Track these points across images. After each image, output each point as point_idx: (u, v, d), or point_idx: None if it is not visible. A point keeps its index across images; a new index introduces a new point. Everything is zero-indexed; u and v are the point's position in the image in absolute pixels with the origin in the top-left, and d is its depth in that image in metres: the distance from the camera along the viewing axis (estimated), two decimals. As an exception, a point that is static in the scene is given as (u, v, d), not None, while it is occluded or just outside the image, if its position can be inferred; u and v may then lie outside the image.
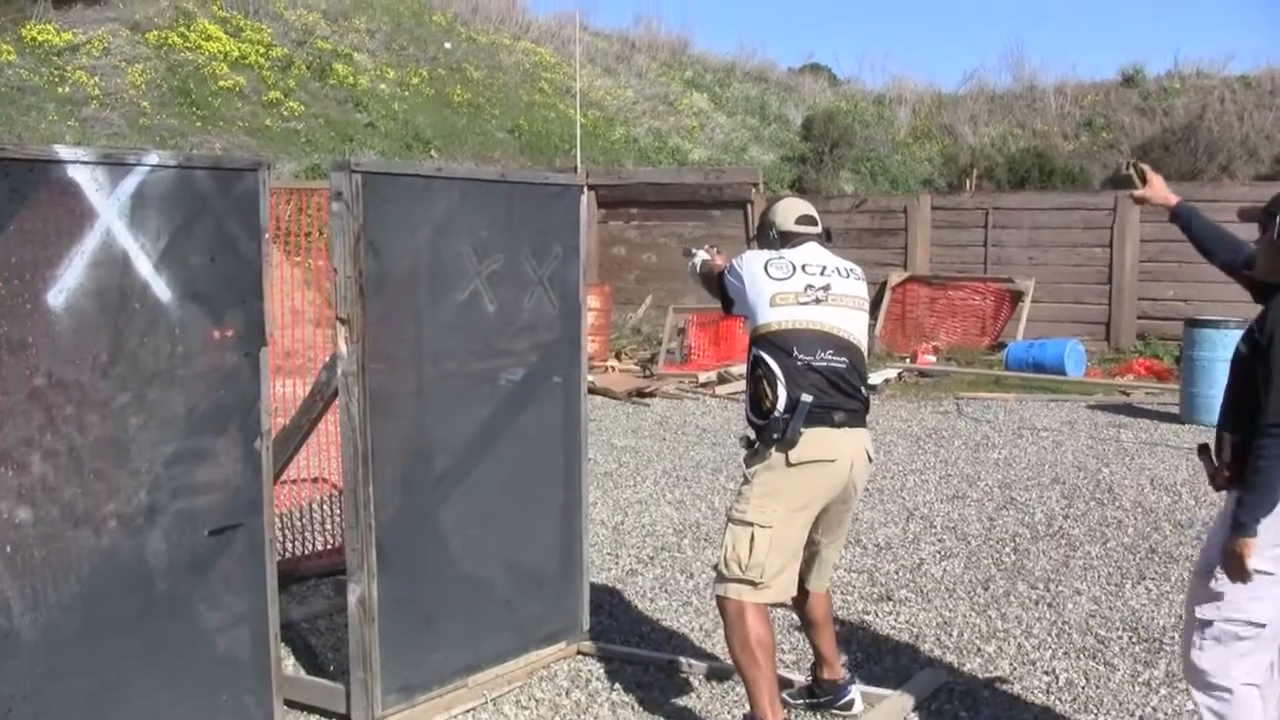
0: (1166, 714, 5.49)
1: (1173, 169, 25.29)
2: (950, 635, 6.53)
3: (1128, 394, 14.88)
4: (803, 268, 5.11)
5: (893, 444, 11.85)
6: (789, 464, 4.88)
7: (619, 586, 7.32)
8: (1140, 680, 5.89)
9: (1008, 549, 8.13)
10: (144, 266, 4.14)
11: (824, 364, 4.94)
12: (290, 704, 5.13)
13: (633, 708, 5.55)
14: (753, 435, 5.03)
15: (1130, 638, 6.47)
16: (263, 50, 25.78)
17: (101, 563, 4.11)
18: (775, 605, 5.36)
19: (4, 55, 21.46)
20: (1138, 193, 4.84)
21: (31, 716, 3.96)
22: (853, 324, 5.11)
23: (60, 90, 21.63)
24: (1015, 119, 33.09)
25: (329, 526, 8.00)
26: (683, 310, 17.70)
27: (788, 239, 5.28)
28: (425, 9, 33.15)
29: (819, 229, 5.37)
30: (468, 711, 5.43)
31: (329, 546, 7.70)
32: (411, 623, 5.19)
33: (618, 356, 17.57)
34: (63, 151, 3.92)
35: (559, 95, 31.60)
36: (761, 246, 5.36)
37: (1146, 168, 4.76)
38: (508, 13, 36.13)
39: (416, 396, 5.22)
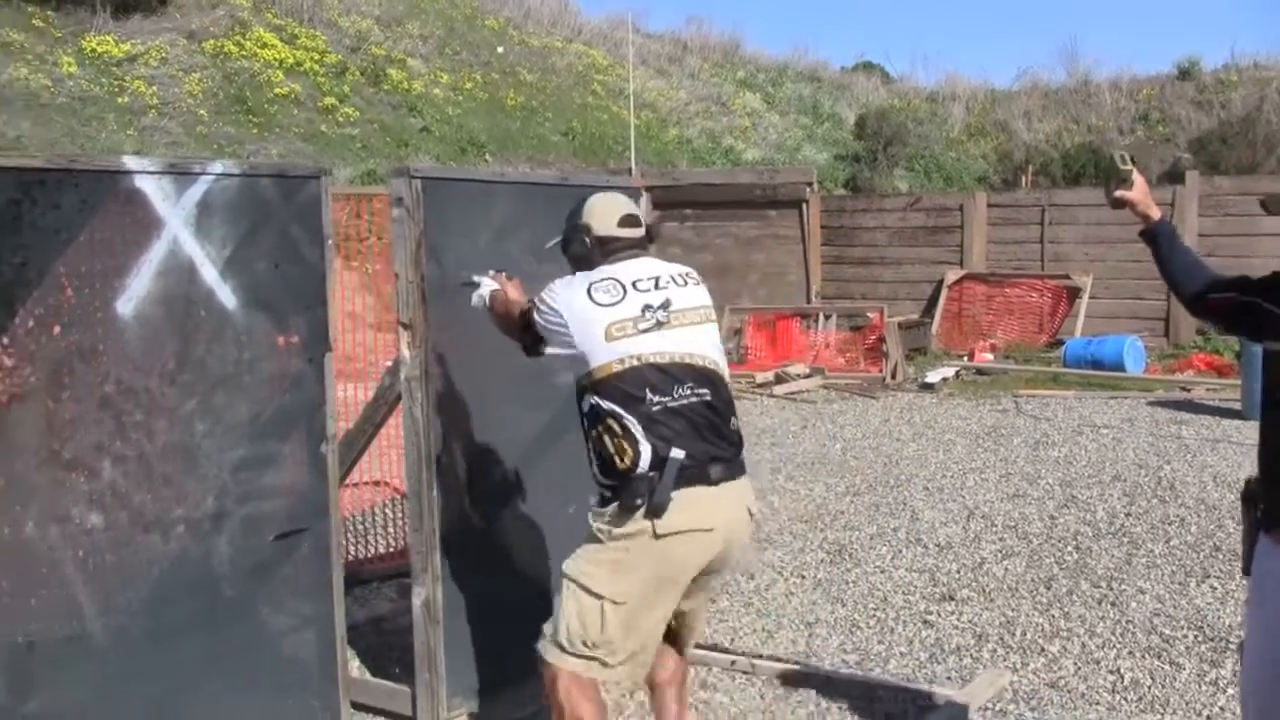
0: (1234, 714, 5.44)
1: (1230, 162, 25.10)
2: (1013, 634, 6.50)
3: (1188, 390, 14.74)
4: (634, 285, 4.20)
5: (951, 442, 11.81)
6: (655, 536, 3.98)
7: (680, 588, 7.33)
8: (1207, 680, 5.85)
9: (1070, 547, 8.08)
10: (209, 274, 4.19)
11: (684, 402, 4.08)
12: (356, 706, 5.17)
13: (697, 708, 5.56)
14: (606, 494, 4.14)
15: (1196, 636, 6.43)
16: (317, 57, 25.94)
17: (169, 567, 4.16)
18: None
19: (65, 67, 21.68)
20: (1120, 193, 4.12)
21: (104, 718, 4.01)
22: (705, 344, 4.26)
23: (120, 100, 21.84)
24: (1069, 114, 32.86)
25: (390, 530, 8.06)
26: (739, 310, 17.71)
27: (607, 248, 4.33)
28: (477, 14, 33.30)
29: (642, 231, 4.48)
30: (532, 714, 5.46)
31: (391, 549, 7.75)
32: (475, 625, 5.22)
33: (675, 358, 17.58)
34: (130, 162, 3.98)
35: (611, 97, 31.66)
36: (572, 260, 4.39)
37: (1135, 170, 4.16)
38: (559, 16, 36.24)
39: (477, 400, 5.24)
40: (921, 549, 8.14)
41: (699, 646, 6.25)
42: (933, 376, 15.69)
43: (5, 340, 3.65)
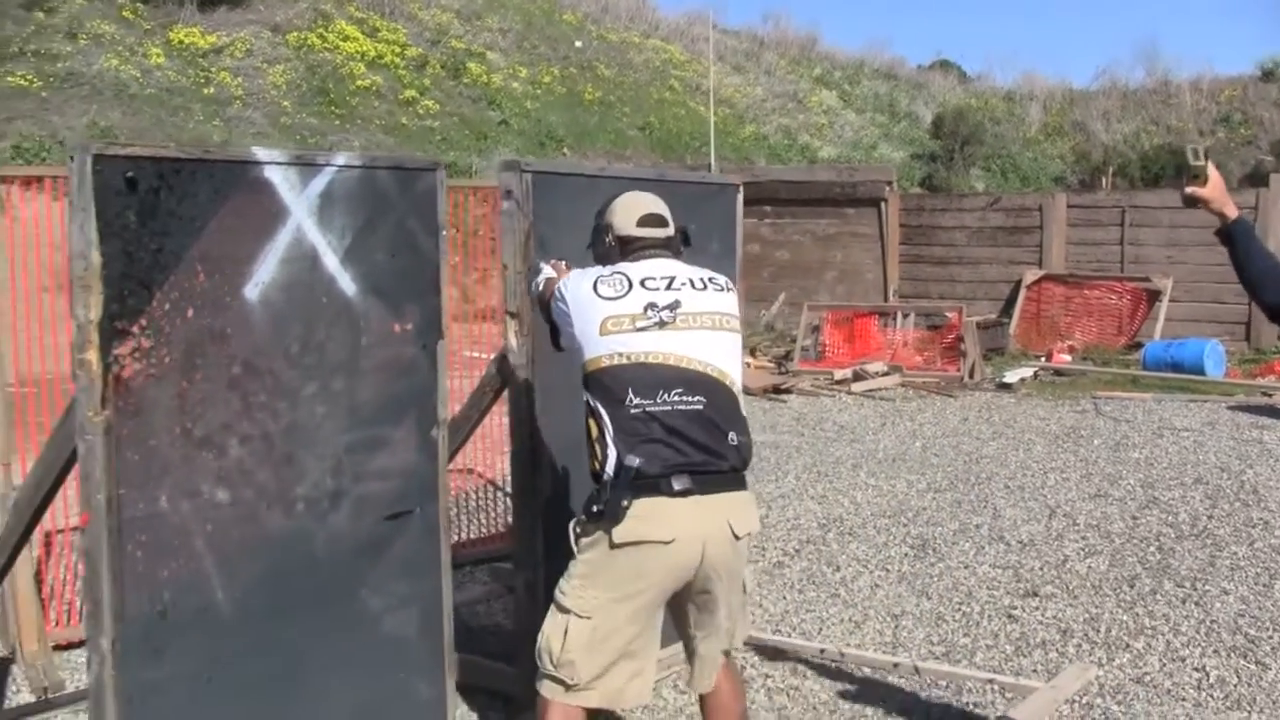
0: (1322, 713, 5.50)
1: (1314, 166, 24.88)
2: (1098, 631, 6.56)
3: (1270, 395, 14.67)
4: (642, 283, 4.09)
5: (1031, 442, 11.84)
6: (612, 545, 3.90)
7: (767, 578, 7.44)
8: (1294, 679, 5.90)
9: (1152, 548, 8.11)
10: (330, 262, 4.33)
11: (666, 408, 3.94)
12: (458, 685, 5.31)
13: (787, 694, 5.68)
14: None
15: (1282, 637, 6.48)
16: (398, 50, 26.27)
17: (289, 543, 4.30)
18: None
19: (153, 58, 22.08)
20: (1193, 190, 3.88)
21: (224, 689, 4.17)
22: (711, 350, 4.08)
23: (206, 91, 22.21)
24: (1149, 115, 32.72)
25: (481, 517, 8.22)
26: (817, 307, 17.77)
27: (628, 247, 4.26)
28: (556, 8, 33.58)
29: (669, 231, 4.36)
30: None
31: (481, 535, 7.91)
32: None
33: (752, 353, 17.68)
34: (259, 153, 4.13)
35: (689, 93, 31.82)
36: (596, 258, 4.36)
37: (1211, 165, 3.91)
38: (638, 11, 36.51)
39: (577, 387, 5.36)
40: (1004, 546, 8.20)
41: (787, 635, 6.39)
42: (1011, 376, 15.69)
43: (143, 322, 3.81)
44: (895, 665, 5.96)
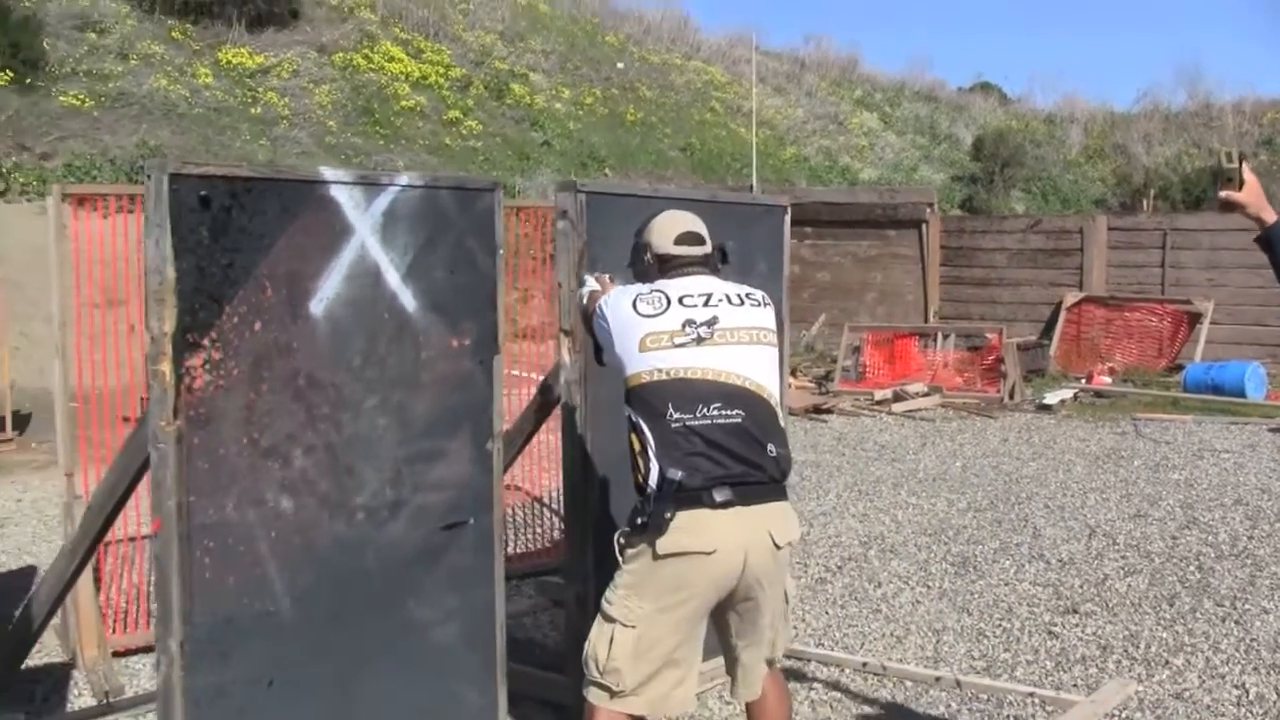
0: (1361, 730, 5.56)
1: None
2: (1137, 647, 6.63)
3: (1312, 418, 14.67)
4: (680, 300, 4.16)
5: (1071, 463, 11.90)
6: (655, 556, 3.98)
7: (809, 594, 7.53)
8: (1336, 698, 5.95)
9: (1192, 567, 8.17)
10: (393, 279, 4.47)
11: (706, 422, 4.01)
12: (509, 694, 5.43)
13: (831, 705, 5.78)
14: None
15: (1323, 657, 6.53)
16: (442, 71, 26.48)
17: (350, 552, 4.43)
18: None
19: (202, 78, 22.33)
20: (1229, 194, 3.81)
21: (285, 692, 4.29)
22: (750, 365, 4.15)
23: (253, 111, 22.44)
24: (1190, 138, 32.69)
25: (525, 532, 8.34)
26: (858, 328, 17.88)
27: (666, 265, 4.34)
28: (598, 30, 33.77)
29: (706, 249, 4.43)
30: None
31: (527, 549, 8.04)
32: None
33: (793, 373, 17.77)
34: (326, 173, 4.27)
35: (729, 114, 31.96)
36: (636, 276, 4.42)
37: (1248, 169, 3.83)
38: (679, 33, 36.64)
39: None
40: (1044, 564, 8.27)
41: (830, 650, 6.49)
42: (1051, 398, 15.73)
43: (214, 335, 3.95)
44: (937, 679, 6.05)
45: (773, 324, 4.34)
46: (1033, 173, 31.70)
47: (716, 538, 3.96)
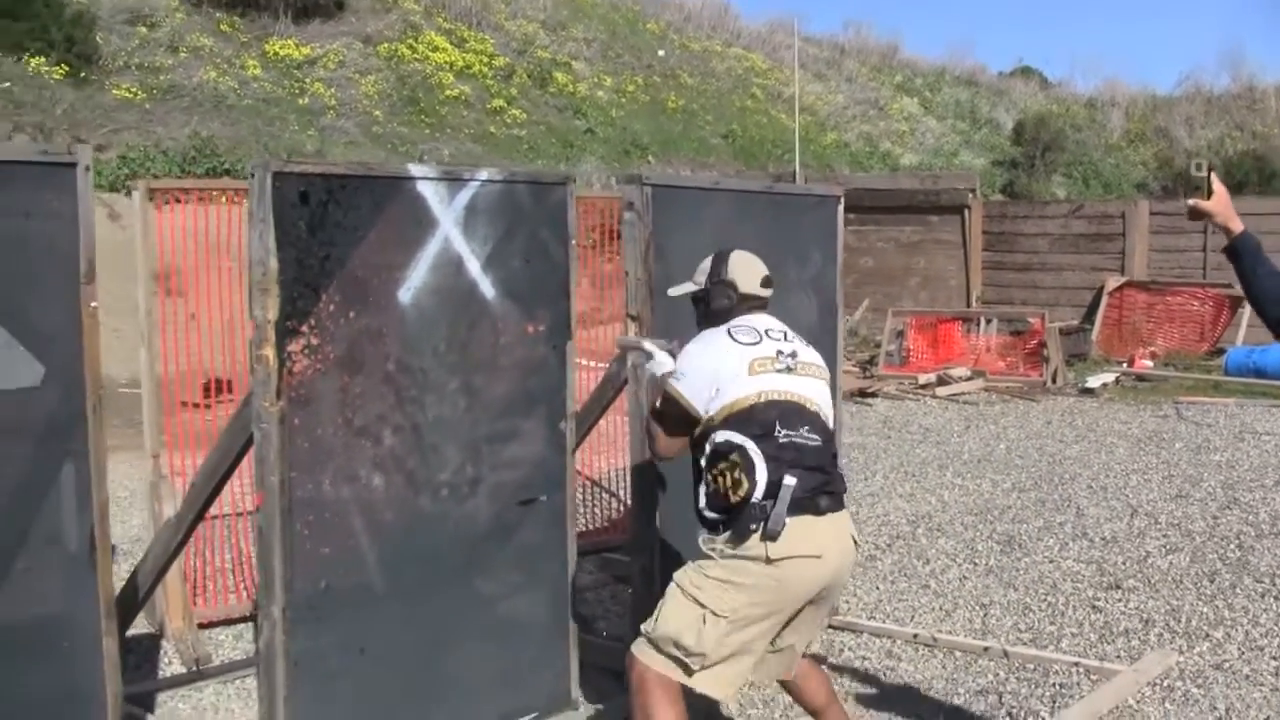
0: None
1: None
2: (1179, 621, 6.84)
3: (1353, 401, 14.79)
4: (766, 332, 4.49)
5: (1113, 445, 12.09)
6: (769, 560, 4.13)
7: (860, 570, 7.77)
8: (1373, 670, 6.16)
9: (1232, 545, 8.36)
10: (473, 268, 4.74)
11: (805, 441, 4.29)
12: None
13: (884, 673, 6.04)
14: (715, 530, 4.32)
15: (1361, 630, 6.73)
16: (486, 60, 26.76)
17: (434, 525, 4.71)
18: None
19: (250, 70, 22.69)
20: (1197, 203, 3.88)
21: (378, 659, 4.58)
22: (822, 398, 4.50)
23: (300, 101, 22.79)
24: (1233, 121, 32.68)
25: (586, 512, 8.61)
26: (902, 313, 18.09)
27: (745, 303, 4.61)
28: (639, 17, 34.00)
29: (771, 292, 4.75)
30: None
31: (588, 528, 8.32)
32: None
33: (836, 358, 17.99)
34: (414, 169, 4.55)
35: (770, 101, 32.17)
36: (711, 314, 4.61)
37: (1216, 179, 3.88)
38: (720, 20, 36.84)
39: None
40: (1087, 542, 8.49)
41: (881, 622, 6.75)
42: (1093, 381, 15.90)
43: (312, 322, 4.23)
44: (985, 649, 6.30)
45: (824, 362, 4.68)
46: (1074, 157, 31.76)
47: (823, 542, 4.21)
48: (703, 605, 4.19)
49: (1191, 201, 3.92)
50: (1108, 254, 19.46)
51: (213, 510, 6.90)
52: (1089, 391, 15.62)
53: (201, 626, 6.57)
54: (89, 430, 3.92)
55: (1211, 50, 76.56)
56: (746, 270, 4.63)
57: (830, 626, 6.62)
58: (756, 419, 4.24)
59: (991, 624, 6.84)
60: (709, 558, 4.27)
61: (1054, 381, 16.07)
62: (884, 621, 6.85)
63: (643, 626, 4.38)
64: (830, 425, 4.50)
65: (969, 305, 19.75)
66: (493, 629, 5.01)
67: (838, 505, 4.33)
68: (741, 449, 4.19)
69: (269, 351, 4.14)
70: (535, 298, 4.99)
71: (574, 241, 5.10)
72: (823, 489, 4.25)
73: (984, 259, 20.38)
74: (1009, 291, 20.09)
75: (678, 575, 4.36)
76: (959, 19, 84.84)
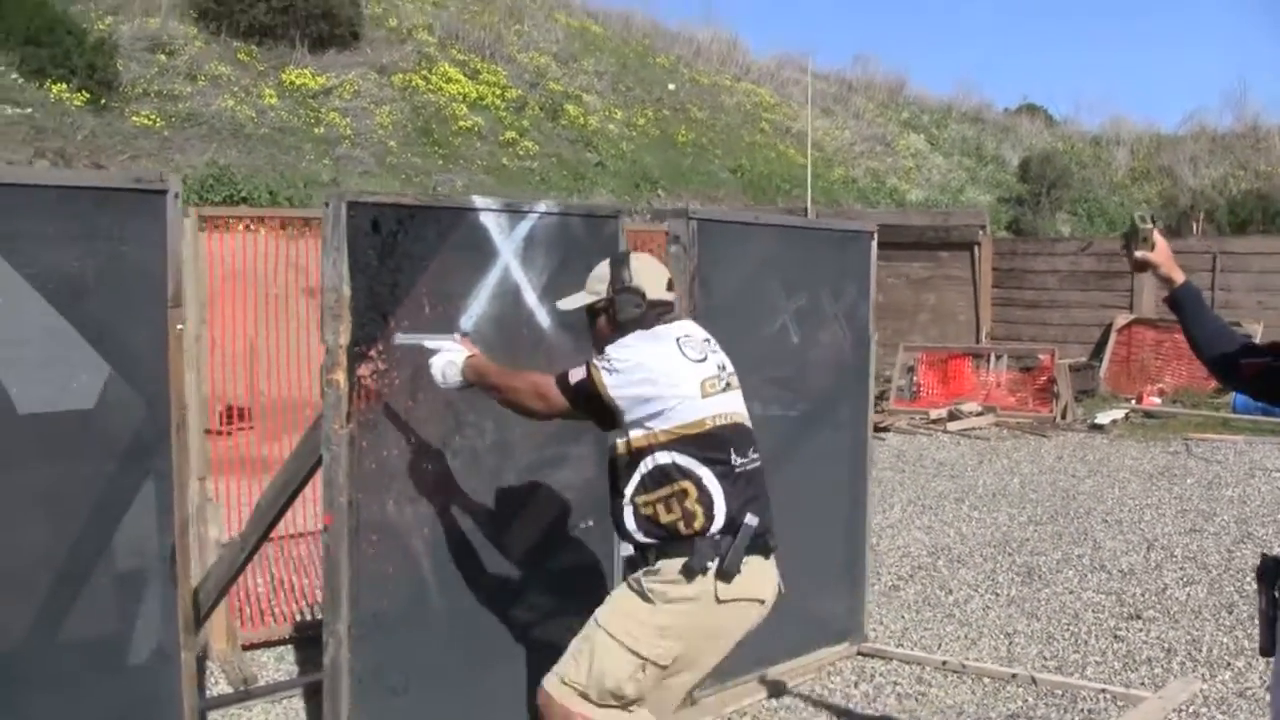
0: None
1: None
2: (1200, 651, 6.98)
3: (1360, 439, 14.92)
4: (706, 344, 4.18)
5: (1126, 480, 12.23)
6: (718, 600, 3.92)
7: (884, 599, 7.91)
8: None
9: (1248, 578, 8.46)
10: (530, 298, 4.91)
11: (753, 466, 4.10)
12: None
13: (916, 699, 6.17)
14: (648, 553, 4.03)
15: (1378, 662, 6.85)
16: (499, 91, 26.94)
17: (491, 546, 4.87)
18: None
19: (267, 98, 22.87)
20: (1143, 255, 3.93)
21: (433, 676, 4.73)
22: (746, 409, 4.27)
23: (316, 130, 22.95)
24: (1237, 160, 32.88)
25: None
26: (913, 348, 18.24)
27: (656, 310, 4.19)
28: (649, 51, 34.22)
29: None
30: (770, 696, 6.10)
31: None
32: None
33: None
34: (478, 201, 4.72)
35: (779, 135, 32.37)
36: (620, 321, 4.16)
37: (1157, 230, 3.94)
38: (729, 54, 37.07)
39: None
40: (1105, 574, 8.62)
41: (912, 648, 6.88)
42: (1103, 418, 16.04)
43: (380, 347, 4.39)
44: (1013, 676, 6.43)
45: None
46: (1079, 194, 31.97)
47: (768, 586, 4.08)
48: (642, 656, 3.95)
49: (1139, 254, 3.94)
50: (1116, 291, 19.60)
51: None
52: (1098, 427, 15.76)
53: (245, 648, 6.71)
54: (172, 449, 4.07)
55: (1216, 90, 76.77)
56: (651, 274, 4.21)
57: (860, 654, 6.77)
58: (711, 443, 3.98)
59: (1017, 652, 6.97)
60: (644, 599, 3.99)
61: (1064, 417, 16.21)
62: (911, 649, 6.98)
63: (563, 671, 4.06)
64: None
65: (978, 341, 19.89)
66: (542, 648, 5.13)
67: (774, 544, 4.14)
68: (696, 477, 3.93)
69: (340, 376, 4.29)
70: (585, 329, 5.13)
71: (625, 272, 5.25)
72: (770, 526, 4.08)
73: (993, 295, 20.53)
74: (1018, 328, 20.24)
75: (604, 618, 4.07)
76: (965, 55, 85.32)
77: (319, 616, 7.00)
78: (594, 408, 4.02)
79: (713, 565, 3.89)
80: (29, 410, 3.84)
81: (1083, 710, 6.05)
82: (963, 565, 8.85)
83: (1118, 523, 10.27)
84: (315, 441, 4.47)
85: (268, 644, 6.85)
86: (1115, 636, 7.25)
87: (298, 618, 7.05)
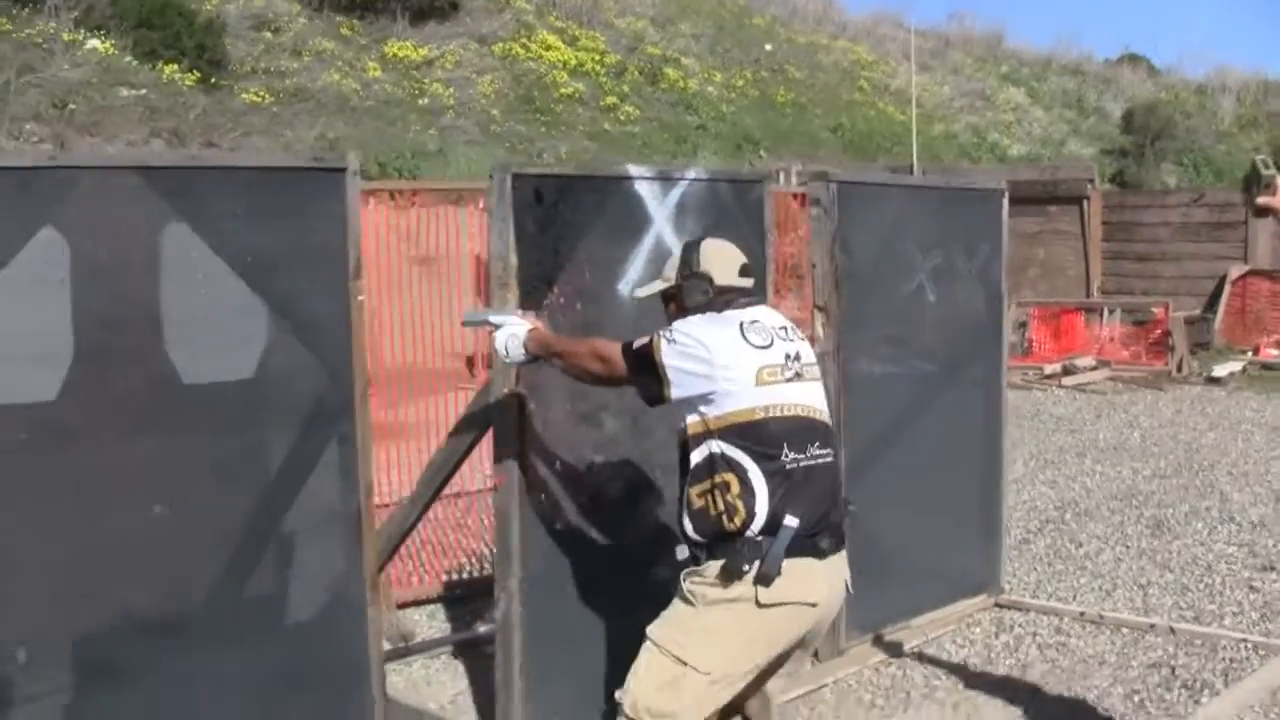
0: None
1: None
2: (1338, 601, 7.03)
3: None
4: (776, 332, 3.98)
5: (1249, 433, 12.21)
6: (759, 604, 3.76)
7: (1015, 553, 7.98)
8: None
9: (1384, 528, 8.50)
10: (682, 263, 5.05)
11: (813, 462, 3.88)
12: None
13: (1056, 649, 6.27)
14: (699, 553, 3.90)
15: None
16: (598, 58, 27.06)
17: (650, 504, 5.02)
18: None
19: (371, 71, 23.16)
20: (1266, 200, 3.85)
21: (593, 625, 4.90)
22: (823, 400, 4.10)
23: (420, 102, 23.21)
24: (1351, 102, 32.30)
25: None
26: (1025, 304, 18.20)
27: (725, 297, 4.05)
28: (745, 12, 34.19)
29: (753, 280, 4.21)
30: (914, 646, 6.24)
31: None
32: (869, 567, 5.98)
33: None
34: (632, 169, 4.87)
35: (877, 93, 32.23)
36: (687, 308, 4.05)
37: (1278, 174, 3.78)
38: (825, 13, 36.94)
39: (878, 373, 6.04)
40: (1235, 526, 8.64)
41: (1048, 600, 6.98)
42: (1219, 370, 15.96)
43: (545, 313, 4.56)
44: (1151, 626, 6.51)
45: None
46: (1184, 145, 31.51)
47: (819, 589, 3.88)
48: (684, 663, 3.82)
49: (1261, 199, 3.89)
50: (1229, 243, 19.42)
51: (395, 498, 7.31)
52: (1216, 380, 15.67)
53: (399, 606, 6.93)
54: (355, 415, 4.26)
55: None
56: (721, 259, 4.11)
57: (998, 605, 6.88)
58: (761, 436, 3.81)
59: (1152, 603, 7.04)
60: (689, 603, 3.89)
61: (1179, 371, 16.15)
62: (1047, 600, 7.07)
63: (618, 696, 3.96)
64: (835, 434, 4.18)
65: (1088, 295, 19.80)
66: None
67: (838, 544, 3.95)
68: (741, 470, 3.79)
69: (508, 341, 4.45)
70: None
71: (770, 236, 5.39)
72: (825, 525, 3.88)
73: (1103, 249, 20.41)
74: (1129, 281, 20.12)
75: (652, 630, 3.97)
76: (1064, 7, 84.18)
77: (465, 575, 7.27)
78: (647, 377, 3.92)
79: (750, 569, 3.72)
80: (220, 379, 4.05)
81: (1224, 659, 6.11)
82: (1090, 519, 8.91)
83: (1244, 475, 10.27)
84: (483, 405, 4.65)
85: (416, 602, 7.06)
86: (1251, 588, 7.28)
87: (445, 577, 7.26)
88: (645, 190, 4.89)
